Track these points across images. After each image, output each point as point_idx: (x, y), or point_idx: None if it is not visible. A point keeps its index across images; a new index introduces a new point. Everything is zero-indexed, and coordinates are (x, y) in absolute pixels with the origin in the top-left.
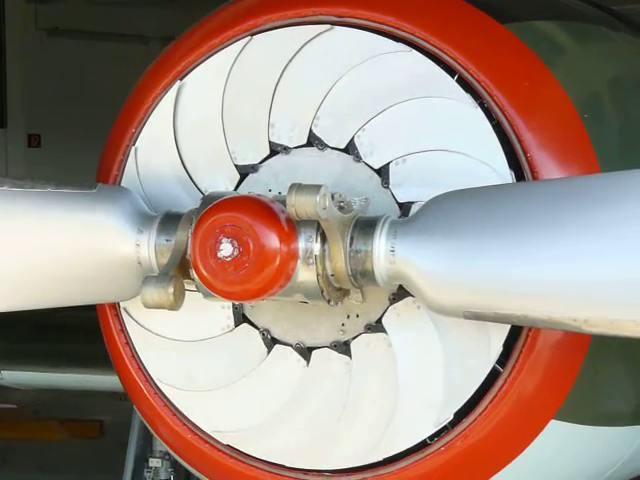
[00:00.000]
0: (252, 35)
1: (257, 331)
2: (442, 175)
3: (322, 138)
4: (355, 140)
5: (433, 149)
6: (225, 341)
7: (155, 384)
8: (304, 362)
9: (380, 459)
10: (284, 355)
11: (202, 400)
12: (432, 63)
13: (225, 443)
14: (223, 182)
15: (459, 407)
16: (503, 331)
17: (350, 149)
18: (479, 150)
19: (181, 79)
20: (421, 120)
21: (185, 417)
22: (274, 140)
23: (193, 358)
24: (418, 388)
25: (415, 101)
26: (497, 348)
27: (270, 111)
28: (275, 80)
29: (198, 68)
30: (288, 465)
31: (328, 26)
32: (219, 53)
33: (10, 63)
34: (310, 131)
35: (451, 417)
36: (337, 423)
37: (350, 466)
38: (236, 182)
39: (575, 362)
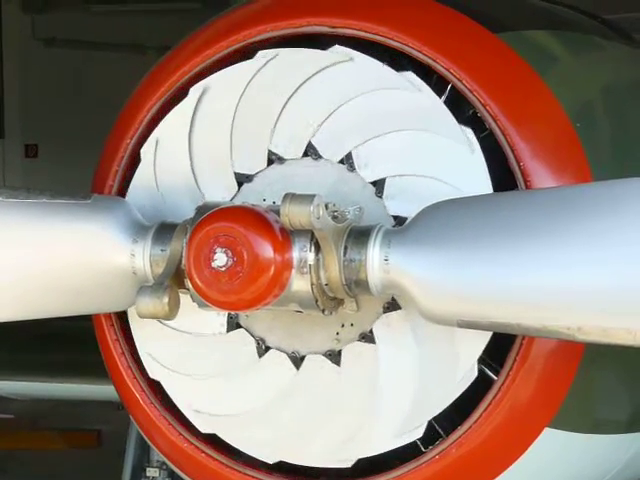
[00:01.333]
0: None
1: (252, 338)
2: (434, 197)
3: (318, 149)
4: (352, 152)
5: (427, 176)
6: (220, 341)
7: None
8: (295, 370)
9: (353, 459)
10: (278, 359)
11: (187, 383)
12: (437, 99)
13: (205, 430)
14: (222, 192)
15: (429, 417)
16: (475, 348)
17: (344, 159)
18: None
19: (176, 89)
20: (418, 150)
21: (181, 427)
22: (271, 149)
23: (187, 347)
24: (391, 397)
25: (416, 132)
26: (466, 366)
27: (275, 127)
28: (285, 100)
29: (220, 74)
30: (264, 459)
31: (347, 57)
32: (242, 64)
33: (7, 73)
34: (308, 144)
35: (422, 426)
36: (316, 423)
37: (322, 465)
38: (234, 192)
39: (569, 370)
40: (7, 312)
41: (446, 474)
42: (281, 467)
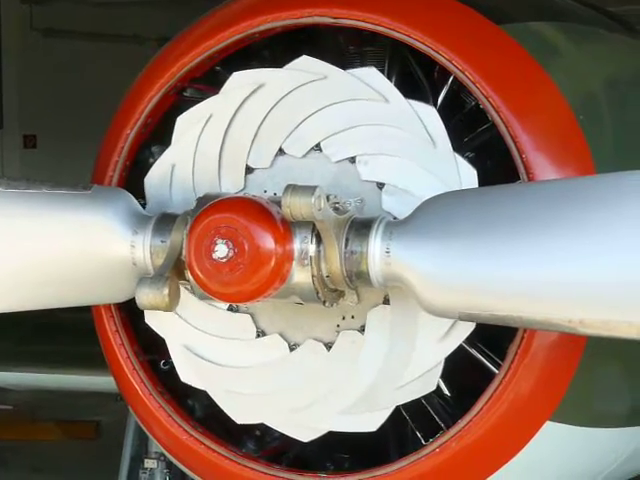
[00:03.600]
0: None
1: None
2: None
3: (321, 146)
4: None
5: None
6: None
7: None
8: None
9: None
10: (277, 343)
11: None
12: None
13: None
14: (230, 184)
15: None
16: (438, 353)
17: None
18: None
19: (176, 80)
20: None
21: (180, 419)
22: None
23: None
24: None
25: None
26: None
27: (291, 134)
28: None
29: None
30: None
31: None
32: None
33: (6, 64)
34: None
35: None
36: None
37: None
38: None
39: (570, 363)
40: (6, 302)
41: (446, 467)
42: (280, 460)
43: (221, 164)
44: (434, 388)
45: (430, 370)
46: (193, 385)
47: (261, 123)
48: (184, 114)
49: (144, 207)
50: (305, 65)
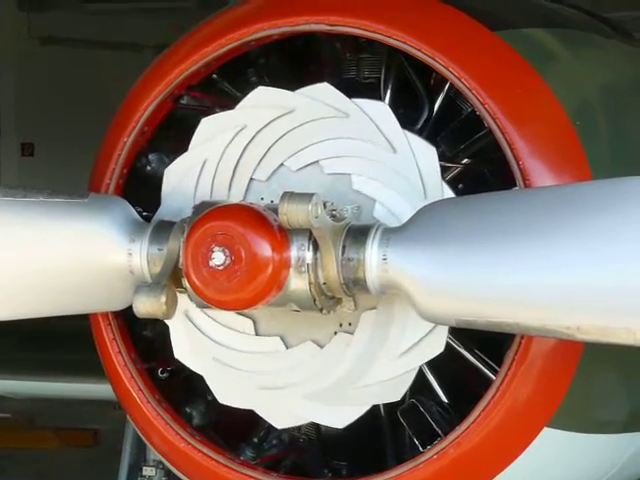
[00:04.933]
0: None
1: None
2: None
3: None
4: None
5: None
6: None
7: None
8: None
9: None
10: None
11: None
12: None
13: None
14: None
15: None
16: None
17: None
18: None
19: (173, 88)
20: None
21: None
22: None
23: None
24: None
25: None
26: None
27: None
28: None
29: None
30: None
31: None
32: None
33: (3, 71)
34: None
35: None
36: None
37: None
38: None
39: (568, 370)
40: (4, 311)
41: (444, 474)
42: (278, 467)
43: (235, 174)
44: (397, 398)
45: (391, 379)
46: (182, 359)
47: (275, 142)
48: (212, 117)
49: (141, 215)
50: (329, 97)
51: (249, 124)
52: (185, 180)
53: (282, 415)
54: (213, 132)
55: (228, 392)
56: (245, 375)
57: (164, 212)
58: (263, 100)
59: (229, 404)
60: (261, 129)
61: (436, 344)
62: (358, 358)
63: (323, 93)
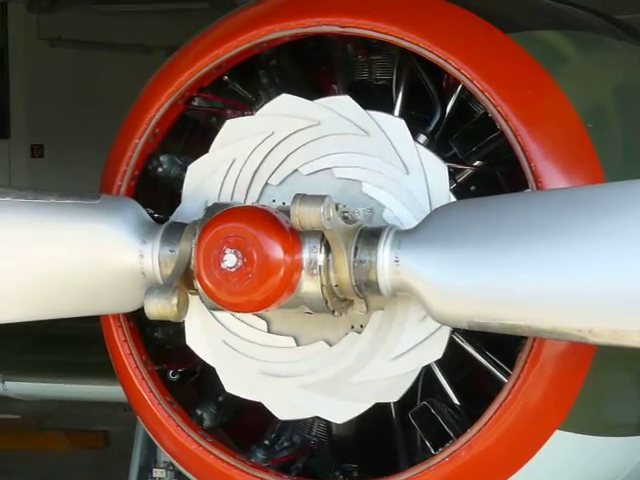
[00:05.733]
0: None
1: None
2: None
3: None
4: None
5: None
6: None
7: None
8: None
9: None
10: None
11: None
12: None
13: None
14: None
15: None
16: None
17: None
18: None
19: (184, 89)
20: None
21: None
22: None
23: None
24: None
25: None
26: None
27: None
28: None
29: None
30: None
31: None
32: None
33: (13, 73)
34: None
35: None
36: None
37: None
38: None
39: (580, 372)
40: (15, 313)
41: (456, 476)
42: (289, 470)
43: (253, 178)
44: (394, 399)
45: (386, 380)
46: (193, 346)
47: (294, 150)
48: (237, 120)
49: (152, 217)
50: (351, 111)
51: (277, 131)
52: (209, 180)
53: (285, 406)
54: (239, 135)
55: (236, 381)
56: (250, 361)
57: (185, 210)
58: (287, 109)
59: (236, 393)
60: (286, 137)
61: (435, 349)
62: (358, 356)
63: (345, 107)
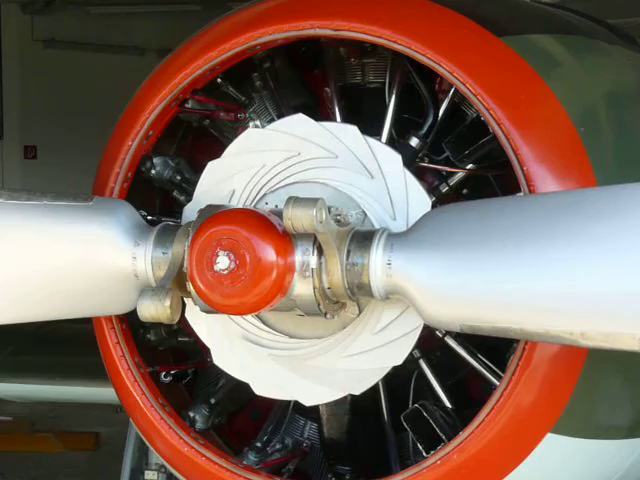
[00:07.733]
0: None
1: None
2: None
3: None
4: None
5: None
6: None
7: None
8: None
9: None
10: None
11: None
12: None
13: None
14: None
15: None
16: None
17: None
18: None
19: (178, 92)
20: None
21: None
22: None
23: None
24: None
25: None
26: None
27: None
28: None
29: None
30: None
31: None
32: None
33: (6, 74)
34: None
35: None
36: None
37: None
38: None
39: (572, 375)
40: (8, 314)
41: (448, 479)
42: (281, 472)
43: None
44: (356, 393)
45: (342, 373)
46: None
47: (303, 170)
48: (259, 130)
49: (145, 219)
50: (363, 153)
51: (302, 152)
52: (224, 183)
53: (267, 385)
54: (265, 145)
55: (224, 355)
56: (235, 327)
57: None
58: (302, 131)
59: (225, 369)
60: (305, 160)
61: (396, 356)
62: (329, 346)
63: (355, 141)
